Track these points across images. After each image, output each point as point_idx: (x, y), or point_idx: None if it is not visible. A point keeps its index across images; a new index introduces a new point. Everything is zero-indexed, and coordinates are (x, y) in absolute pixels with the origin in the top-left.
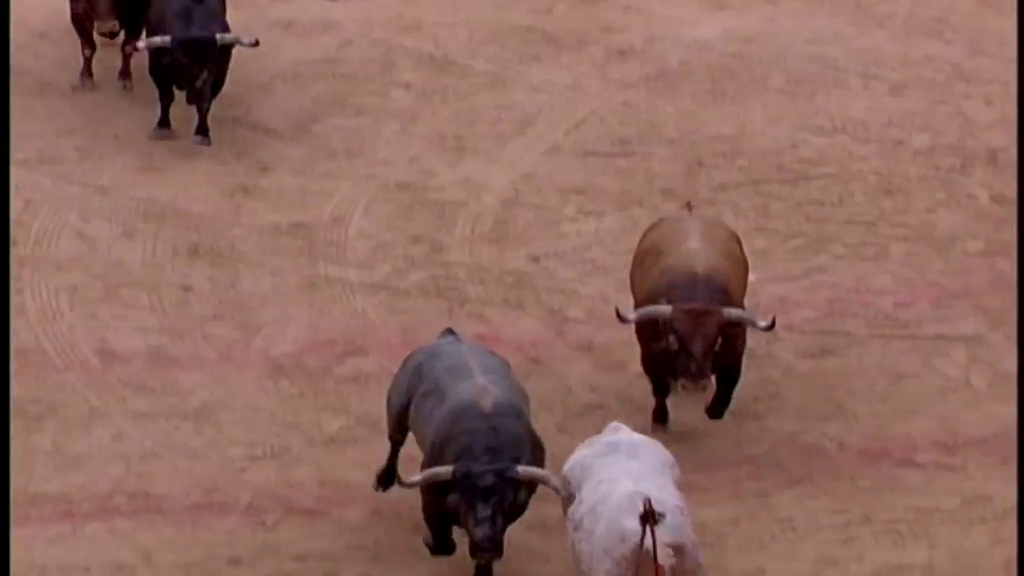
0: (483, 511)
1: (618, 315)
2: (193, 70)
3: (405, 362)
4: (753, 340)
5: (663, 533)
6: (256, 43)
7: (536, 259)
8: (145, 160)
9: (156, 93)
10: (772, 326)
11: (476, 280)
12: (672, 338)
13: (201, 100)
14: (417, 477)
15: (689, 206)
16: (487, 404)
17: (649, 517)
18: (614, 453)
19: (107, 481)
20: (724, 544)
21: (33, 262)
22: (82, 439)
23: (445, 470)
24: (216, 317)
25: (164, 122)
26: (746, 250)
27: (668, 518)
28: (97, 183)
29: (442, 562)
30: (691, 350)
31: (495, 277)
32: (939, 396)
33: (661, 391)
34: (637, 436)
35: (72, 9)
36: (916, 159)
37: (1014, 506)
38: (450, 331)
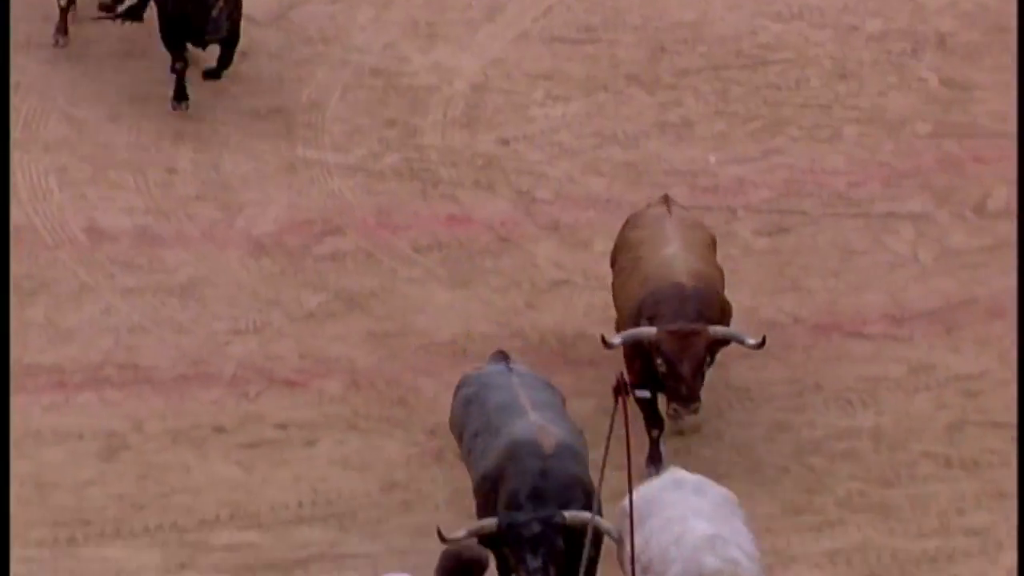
0: (533, 562)
1: (604, 342)
2: None
3: (457, 390)
4: (712, 220)
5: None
6: None
7: (505, 142)
8: (128, 45)
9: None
10: (762, 344)
11: (448, 162)
12: (660, 361)
13: (217, 31)
14: (462, 532)
15: (667, 200)
16: (548, 444)
17: (621, 390)
18: (679, 488)
19: (98, 353)
20: None
21: (23, 144)
22: (73, 313)
23: (490, 523)
24: (199, 198)
25: (181, 94)
26: (706, 133)
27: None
28: (82, 67)
29: (416, 430)
30: (680, 372)
31: (466, 159)
32: (888, 271)
33: (655, 420)
34: (696, 476)
35: None
36: (869, 44)
37: (957, 374)
38: (501, 353)
